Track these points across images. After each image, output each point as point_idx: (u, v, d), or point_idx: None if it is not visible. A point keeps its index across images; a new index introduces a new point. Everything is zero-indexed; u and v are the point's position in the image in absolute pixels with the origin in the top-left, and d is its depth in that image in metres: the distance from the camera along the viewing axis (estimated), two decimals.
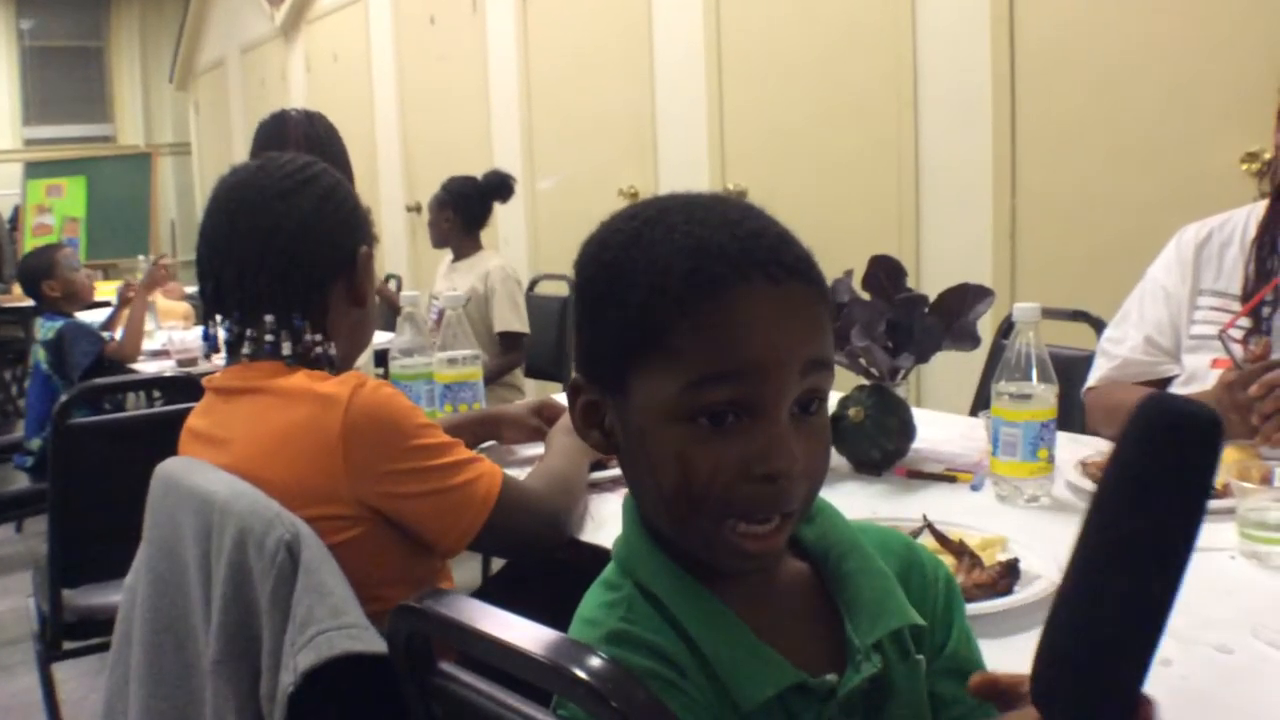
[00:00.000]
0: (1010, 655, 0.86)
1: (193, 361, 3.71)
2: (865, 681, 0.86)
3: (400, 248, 6.71)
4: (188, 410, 1.55)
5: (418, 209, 6.20)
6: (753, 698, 0.82)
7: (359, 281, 1.51)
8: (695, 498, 0.81)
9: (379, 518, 1.38)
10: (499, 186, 3.91)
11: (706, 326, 0.79)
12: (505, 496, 1.44)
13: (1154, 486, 0.62)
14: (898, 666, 0.89)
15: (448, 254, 4.00)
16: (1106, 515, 0.64)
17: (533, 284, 4.28)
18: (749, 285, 0.80)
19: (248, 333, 1.46)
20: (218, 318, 1.50)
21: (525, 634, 0.79)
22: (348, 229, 1.51)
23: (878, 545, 0.95)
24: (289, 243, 1.44)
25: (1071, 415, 1.96)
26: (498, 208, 4.04)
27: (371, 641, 1.12)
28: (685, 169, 4.58)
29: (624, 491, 1.66)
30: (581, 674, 0.73)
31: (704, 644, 0.83)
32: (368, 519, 1.37)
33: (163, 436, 1.54)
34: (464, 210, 3.89)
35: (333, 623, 1.13)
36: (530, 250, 5.48)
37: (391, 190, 6.69)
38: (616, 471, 1.72)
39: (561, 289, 4.00)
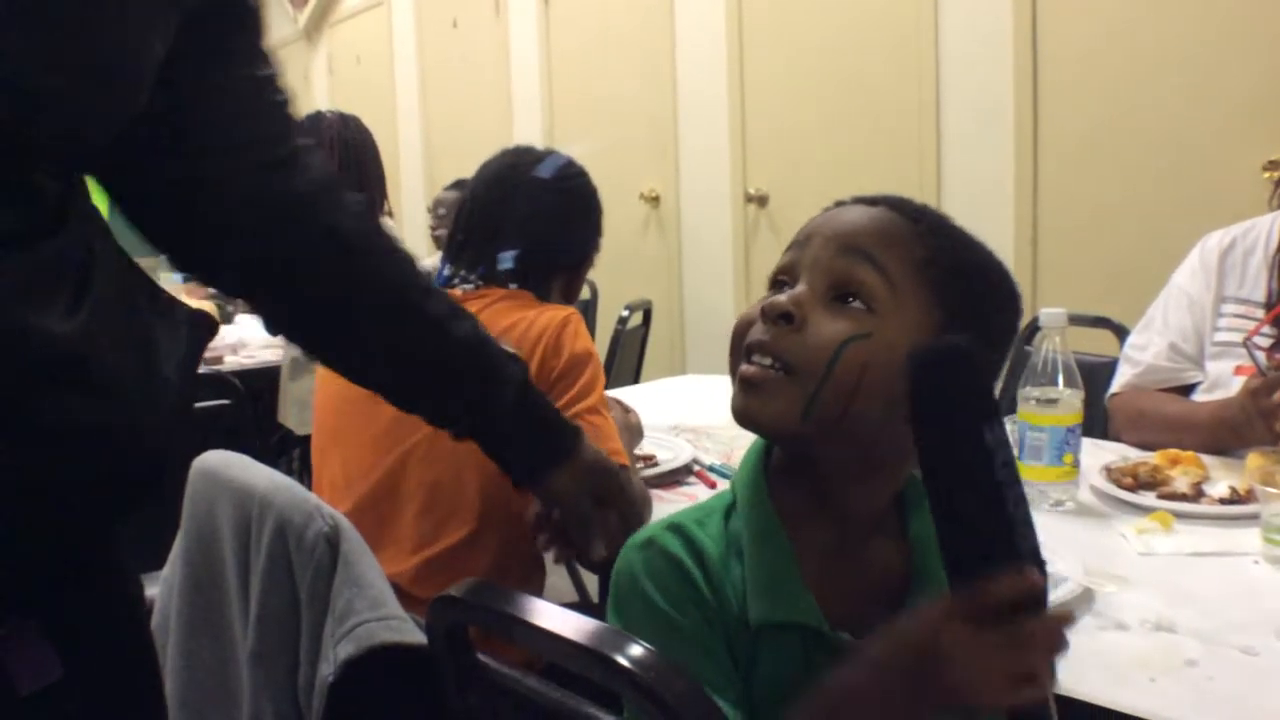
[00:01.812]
0: None
1: (218, 360, 3.74)
2: None
3: (422, 250, 6.73)
4: (222, 407, 1.58)
5: None
6: (761, 615, 0.85)
7: (578, 280, 1.76)
8: (737, 336, 0.90)
9: None
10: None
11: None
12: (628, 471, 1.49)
13: (929, 415, 0.71)
14: None
15: None
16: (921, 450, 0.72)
17: None
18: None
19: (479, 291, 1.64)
20: (450, 269, 1.69)
21: (568, 623, 0.81)
22: (588, 241, 1.76)
23: None
24: (546, 228, 1.67)
25: (1095, 422, 1.97)
26: None
27: (410, 633, 1.14)
28: (706, 172, 4.60)
29: (656, 491, 1.69)
30: (624, 662, 0.75)
31: (749, 553, 0.87)
32: None
33: (199, 431, 1.57)
34: None
35: (372, 614, 1.15)
36: None
37: (413, 192, 6.72)
38: (654, 470, 1.78)
39: (583, 291, 4.02)
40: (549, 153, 1.76)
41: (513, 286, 1.64)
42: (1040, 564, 0.71)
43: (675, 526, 0.90)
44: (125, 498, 0.88)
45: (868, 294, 0.86)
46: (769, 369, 0.86)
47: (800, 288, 0.87)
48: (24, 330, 0.74)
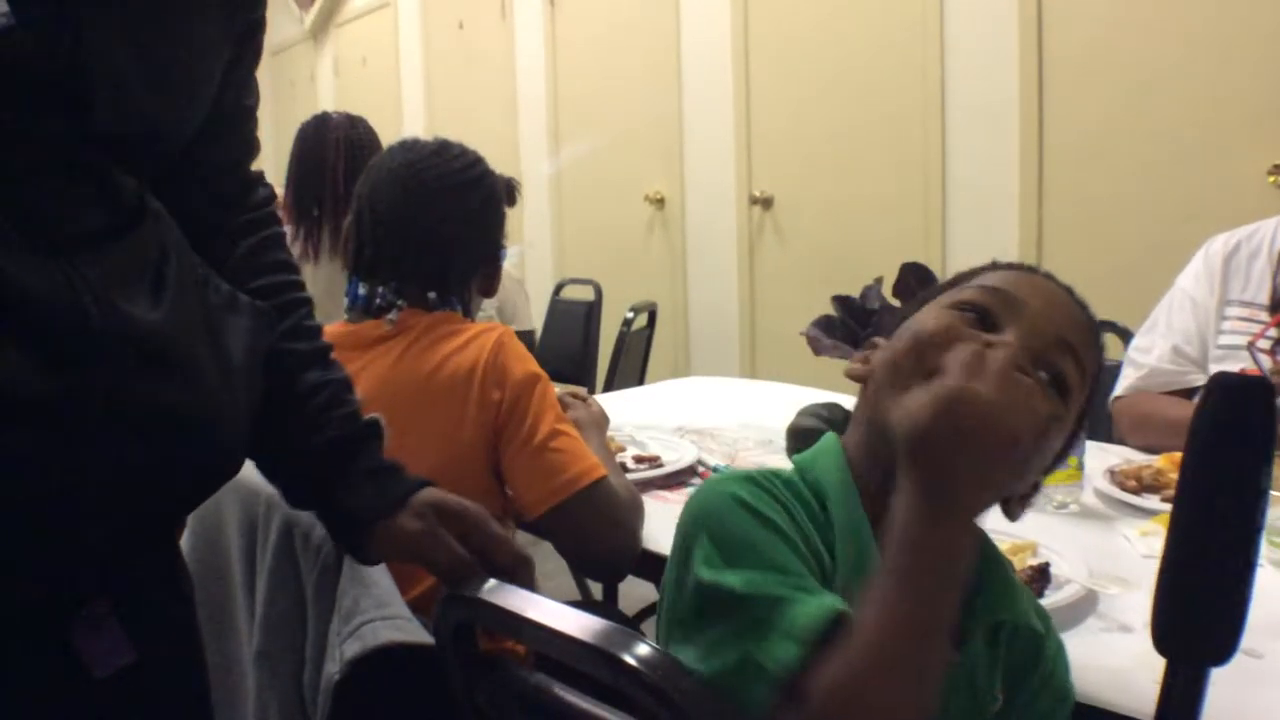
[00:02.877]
0: None
1: None
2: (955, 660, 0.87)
3: None
4: None
5: None
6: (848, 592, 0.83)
7: (497, 272, 1.70)
8: (924, 340, 0.86)
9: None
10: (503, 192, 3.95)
11: (987, 274, 0.96)
12: (597, 490, 1.47)
13: (1221, 444, 0.72)
14: (980, 654, 0.92)
15: None
16: (1191, 477, 0.74)
17: (558, 288, 4.30)
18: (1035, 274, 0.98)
19: (398, 302, 1.58)
20: (365, 288, 1.61)
21: (576, 621, 0.81)
22: (499, 229, 1.70)
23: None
24: (458, 230, 1.61)
25: (1099, 424, 1.97)
26: (524, 212, 4.07)
27: (416, 633, 1.15)
28: (712, 176, 4.60)
29: (660, 492, 1.70)
30: (631, 661, 0.75)
31: (839, 533, 0.87)
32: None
33: None
34: None
35: (378, 613, 1.15)
36: (556, 255, 5.51)
37: None
38: (659, 471, 1.78)
39: (586, 293, 4.03)
40: (439, 142, 1.68)
41: (432, 295, 1.58)
42: (1244, 616, 0.72)
43: (750, 479, 0.88)
44: (204, 483, 0.92)
45: (1063, 386, 0.88)
46: None
47: (1011, 349, 0.84)
48: (119, 317, 0.78)
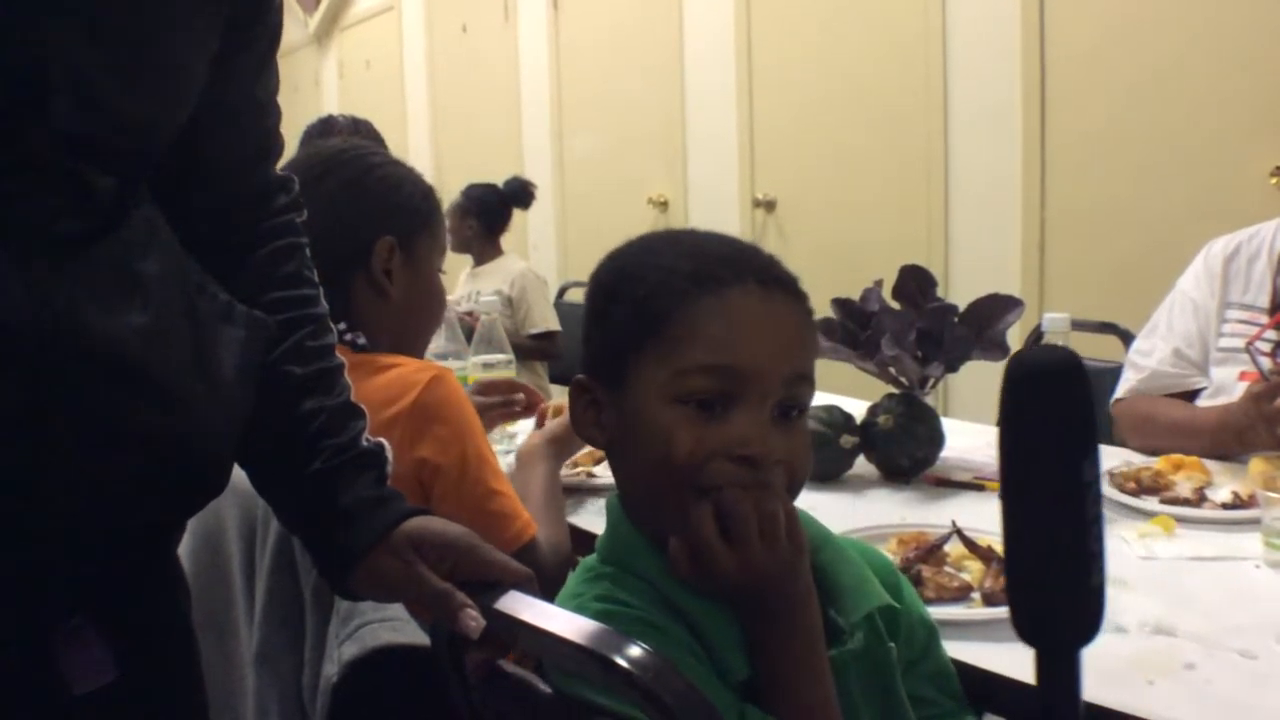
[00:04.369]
0: None
1: None
2: (850, 656, 0.93)
3: None
4: None
5: None
6: (744, 669, 0.89)
7: (376, 274, 1.49)
8: (678, 471, 0.88)
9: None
10: (519, 193, 3.97)
11: (702, 318, 0.90)
12: (526, 553, 1.40)
13: (1024, 435, 0.66)
14: (875, 649, 0.97)
15: (467, 259, 4.05)
16: (1005, 470, 0.68)
17: (562, 291, 4.31)
18: (743, 286, 0.91)
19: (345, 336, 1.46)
20: None
21: (567, 625, 0.82)
22: (367, 219, 1.49)
23: (861, 553, 1.06)
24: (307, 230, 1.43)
25: (1100, 427, 1.97)
26: (528, 215, 4.09)
27: (414, 634, 1.15)
28: (715, 178, 4.61)
29: None
30: (622, 662, 0.76)
31: (692, 616, 0.90)
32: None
33: None
34: (485, 217, 3.94)
35: (376, 615, 1.16)
36: (560, 257, 5.52)
37: None
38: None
39: None
40: (313, 147, 1.53)
41: (341, 326, 1.42)
42: (1102, 601, 0.69)
43: (602, 598, 0.92)
44: (184, 501, 0.89)
45: (805, 401, 0.96)
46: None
47: (761, 417, 0.92)
48: (86, 330, 0.74)
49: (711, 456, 0.88)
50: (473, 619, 0.88)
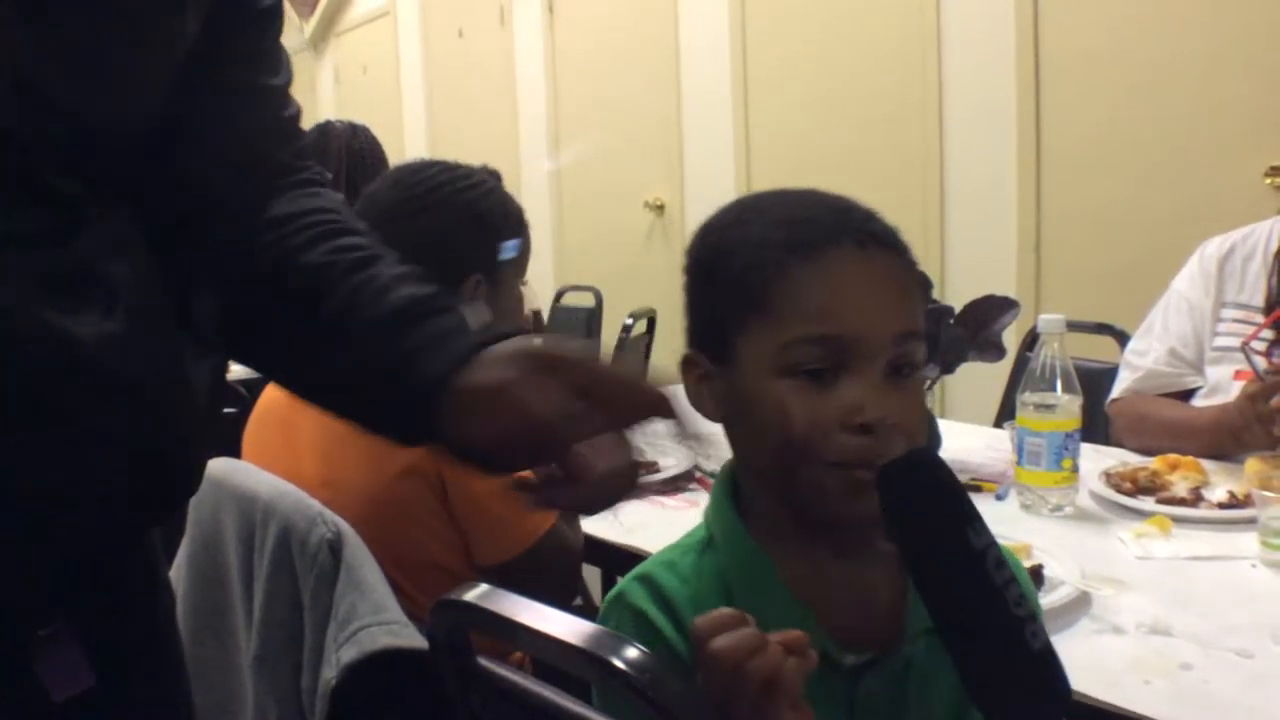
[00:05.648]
0: None
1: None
2: (895, 667, 0.87)
3: None
4: (226, 414, 1.58)
5: None
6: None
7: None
8: (798, 446, 0.85)
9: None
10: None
11: (801, 288, 0.86)
12: (550, 538, 1.45)
13: (913, 528, 0.72)
14: (932, 659, 0.89)
15: None
16: (909, 564, 0.74)
17: (559, 295, 4.31)
18: (839, 249, 0.87)
19: None
20: None
21: (565, 626, 0.81)
22: (454, 263, 1.53)
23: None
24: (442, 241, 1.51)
25: (1095, 429, 1.98)
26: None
27: (411, 637, 1.15)
28: (712, 181, 4.61)
29: (658, 498, 1.70)
30: (620, 664, 0.75)
31: (736, 589, 0.87)
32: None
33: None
34: None
35: (374, 619, 1.16)
36: (556, 262, 5.52)
37: None
38: (656, 476, 1.77)
39: (587, 300, 4.04)
40: (399, 173, 1.62)
41: None
42: (1054, 657, 0.69)
43: (643, 577, 0.90)
44: (153, 506, 0.87)
45: (916, 358, 0.90)
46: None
47: (873, 380, 0.87)
48: (43, 330, 0.72)
49: (829, 428, 0.85)
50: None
